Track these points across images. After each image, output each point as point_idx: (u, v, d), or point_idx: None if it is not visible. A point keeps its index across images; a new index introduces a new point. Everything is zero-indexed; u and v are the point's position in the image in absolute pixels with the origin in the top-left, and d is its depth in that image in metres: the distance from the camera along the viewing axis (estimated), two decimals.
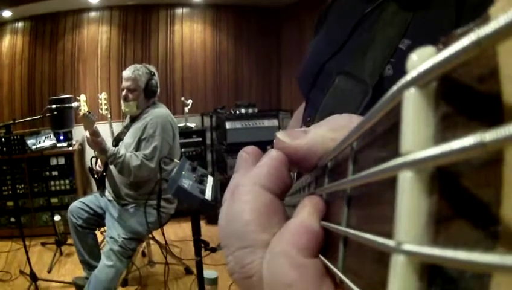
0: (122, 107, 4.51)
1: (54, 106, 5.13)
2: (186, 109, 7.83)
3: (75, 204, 4.61)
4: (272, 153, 0.50)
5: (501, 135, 0.16)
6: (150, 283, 5.19)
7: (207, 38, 8.75)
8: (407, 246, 0.22)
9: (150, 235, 4.89)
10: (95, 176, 4.69)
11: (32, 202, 6.66)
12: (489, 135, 0.17)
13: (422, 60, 0.22)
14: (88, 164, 4.82)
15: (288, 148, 0.48)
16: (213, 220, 6.83)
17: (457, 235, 0.21)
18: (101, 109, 4.85)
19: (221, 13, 8.78)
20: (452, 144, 0.19)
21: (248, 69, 9.08)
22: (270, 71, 9.18)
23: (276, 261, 0.40)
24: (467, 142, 0.18)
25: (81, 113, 4.04)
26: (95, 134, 4.03)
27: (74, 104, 5.07)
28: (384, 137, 0.28)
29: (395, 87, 0.25)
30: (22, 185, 6.60)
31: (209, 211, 3.46)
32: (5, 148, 5.71)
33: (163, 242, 4.08)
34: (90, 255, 4.51)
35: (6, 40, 7.56)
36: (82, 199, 4.72)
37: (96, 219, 4.56)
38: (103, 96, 4.92)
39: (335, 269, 0.36)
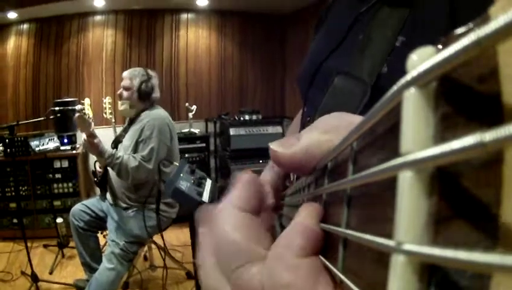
0: (118, 106, 4.54)
1: (57, 108, 5.14)
2: (190, 115, 7.82)
3: (77, 207, 4.61)
4: (241, 177, 0.54)
5: (501, 135, 0.16)
6: (150, 286, 5.19)
7: (212, 44, 8.75)
8: (407, 246, 0.22)
9: (152, 239, 4.89)
10: (95, 179, 4.70)
11: (35, 204, 6.66)
12: (489, 135, 0.17)
13: (422, 59, 0.22)
14: (92, 167, 4.83)
15: (283, 157, 0.50)
16: None
17: (457, 235, 0.21)
18: (105, 113, 4.85)
19: (226, 19, 8.78)
20: (452, 144, 0.19)
21: (252, 75, 9.08)
22: (275, 78, 9.18)
23: (272, 265, 0.40)
24: (467, 142, 0.18)
25: (77, 115, 4.02)
26: (91, 136, 4.04)
27: (78, 107, 5.08)
28: (384, 137, 0.28)
29: (395, 87, 0.25)
30: (25, 187, 6.60)
31: None
32: (8, 150, 5.71)
33: (163, 246, 4.08)
34: (92, 258, 4.51)
35: (11, 41, 7.57)
36: (84, 202, 4.73)
37: (98, 222, 4.56)
38: (107, 100, 4.92)
39: (335, 269, 0.36)
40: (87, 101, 4.91)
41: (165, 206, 4.32)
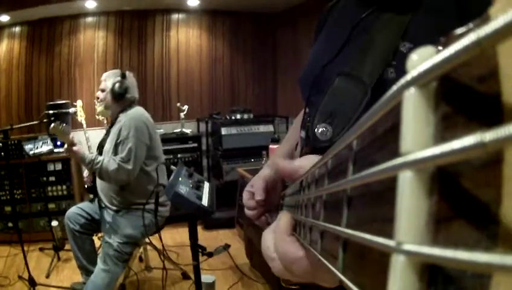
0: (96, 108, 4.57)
1: (51, 112, 5.13)
2: (182, 115, 7.81)
3: (72, 210, 4.60)
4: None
5: (501, 135, 0.16)
6: (147, 288, 5.18)
7: (203, 44, 8.73)
8: (407, 246, 0.22)
9: (147, 241, 4.88)
10: (85, 186, 4.71)
11: (30, 207, 6.63)
12: (489, 135, 0.17)
13: (422, 60, 0.22)
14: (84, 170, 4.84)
15: (283, 169, 0.83)
16: (210, 226, 6.84)
17: (457, 235, 0.21)
18: (98, 115, 4.86)
19: (217, 19, 8.76)
20: (452, 144, 0.19)
21: (244, 74, 9.07)
22: (266, 77, 9.16)
23: (276, 241, 0.75)
24: (467, 142, 0.18)
25: (52, 126, 4.03)
26: (71, 144, 4.06)
27: (71, 110, 5.08)
28: (385, 137, 0.28)
29: (394, 87, 0.25)
30: (20, 190, 6.56)
31: (206, 217, 3.48)
32: (2, 153, 5.70)
33: (160, 247, 4.08)
34: (88, 261, 4.50)
35: (4, 44, 7.55)
36: (79, 205, 4.71)
37: (94, 225, 4.54)
38: (78, 104, 4.94)
39: (335, 269, 0.36)
40: (79, 102, 4.92)
41: (158, 206, 4.31)
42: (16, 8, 6.74)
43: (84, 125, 4.96)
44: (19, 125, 5.25)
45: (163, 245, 4.00)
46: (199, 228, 6.49)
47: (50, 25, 7.68)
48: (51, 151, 6.67)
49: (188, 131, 7.83)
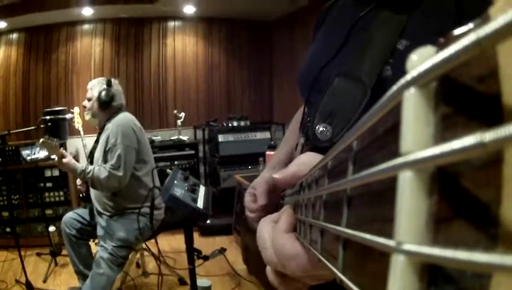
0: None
1: (48, 117, 5.13)
2: (179, 122, 7.82)
3: (69, 215, 4.61)
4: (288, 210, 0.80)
5: (501, 135, 0.16)
6: None
7: (199, 51, 8.74)
8: (407, 246, 0.22)
9: (144, 246, 4.87)
10: (79, 195, 4.74)
11: (27, 213, 6.65)
12: (489, 135, 0.17)
13: (422, 60, 0.22)
14: None
15: (278, 180, 0.84)
16: (207, 232, 6.83)
17: (457, 235, 0.21)
18: (74, 123, 4.89)
19: (213, 26, 8.78)
20: (452, 144, 0.19)
21: (240, 81, 9.07)
22: (262, 84, 9.17)
23: (274, 238, 0.75)
24: (467, 142, 0.18)
25: (41, 141, 4.08)
26: (61, 156, 4.11)
27: (68, 116, 5.08)
28: (385, 137, 0.28)
29: (394, 87, 0.25)
30: (17, 196, 6.59)
31: (201, 219, 3.50)
32: (0, 159, 5.70)
33: (156, 252, 4.07)
34: (85, 266, 4.50)
35: (1, 51, 7.57)
36: (76, 210, 4.73)
37: (90, 230, 4.55)
38: (76, 110, 4.95)
39: (335, 269, 0.37)
40: (76, 109, 4.92)
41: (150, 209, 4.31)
42: (13, 14, 6.76)
43: (82, 132, 4.95)
44: (16, 131, 5.28)
45: (159, 250, 3.99)
46: (196, 235, 6.50)
47: (47, 32, 7.71)
48: (48, 158, 6.66)
49: (185, 138, 7.87)
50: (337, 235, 0.37)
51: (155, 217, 4.31)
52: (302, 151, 1.08)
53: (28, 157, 6.57)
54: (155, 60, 8.43)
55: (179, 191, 3.20)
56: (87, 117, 4.50)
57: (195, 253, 3.41)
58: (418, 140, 0.22)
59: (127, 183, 4.21)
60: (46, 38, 7.75)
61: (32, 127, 5.26)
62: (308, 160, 0.79)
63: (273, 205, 1.19)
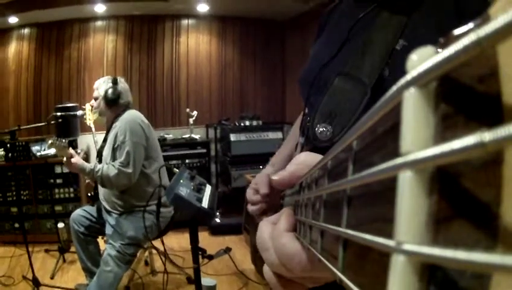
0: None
1: (59, 114, 5.14)
2: (191, 121, 7.83)
3: (78, 212, 4.62)
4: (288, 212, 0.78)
5: (501, 135, 0.16)
6: None
7: (212, 50, 8.75)
8: (407, 246, 0.22)
9: (151, 244, 4.88)
10: (88, 195, 4.76)
11: (37, 209, 6.67)
12: (489, 135, 0.17)
13: (422, 60, 0.22)
14: None
15: (276, 182, 0.83)
16: (217, 231, 6.84)
17: (457, 235, 0.21)
18: (85, 120, 4.90)
19: (227, 25, 8.78)
20: (452, 144, 0.19)
21: (253, 81, 9.07)
22: (275, 83, 9.15)
23: (274, 237, 0.73)
24: (467, 142, 0.18)
25: (49, 142, 4.09)
26: (70, 156, 4.13)
27: (79, 113, 5.08)
28: (385, 137, 0.28)
29: (394, 87, 0.25)
30: (27, 192, 6.61)
31: (206, 219, 3.50)
32: (9, 154, 5.71)
33: (163, 249, 4.08)
34: (93, 263, 4.51)
35: (13, 46, 7.58)
36: (84, 207, 4.73)
37: (98, 227, 4.56)
38: (87, 107, 4.95)
39: (335, 269, 0.37)
40: (87, 106, 4.92)
41: (160, 207, 4.30)
42: (25, 10, 6.77)
43: (93, 129, 4.96)
44: (26, 126, 5.27)
45: (164, 248, 4.00)
46: (206, 234, 6.54)
47: (59, 28, 7.71)
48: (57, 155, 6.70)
49: (196, 137, 7.86)
50: (337, 235, 0.37)
51: (164, 215, 4.32)
52: (302, 152, 1.08)
53: (38, 153, 6.60)
54: (168, 58, 8.43)
55: (184, 191, 3.21)
56: (95, 116, 4.53)
57: (200, 252, 3.41)
58: (418, 140, 0.22)
59: (136, 181, 4.22)
60: (58, 34, 7.76)
61: (43, 123, 5.26)
62: (306, 159, 0.79)
63: (273, 204, 1.19)
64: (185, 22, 8.48)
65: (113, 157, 4.22)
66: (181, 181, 3.36)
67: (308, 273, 0.66)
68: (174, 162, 7.28)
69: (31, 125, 5.46)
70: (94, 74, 7.84)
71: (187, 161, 7.52)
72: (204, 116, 8.48)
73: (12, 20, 7.17)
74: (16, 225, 6.58)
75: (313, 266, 0.63)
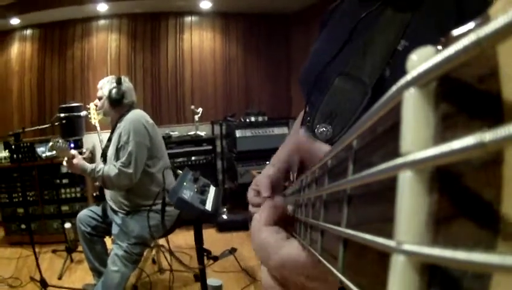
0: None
1: (63, 115, 5.15)
2: (197, 117, 7.83)
3: (84, 212, 4.63)
4: (270, 202, 0.82)
5: (501, 135, 0.16)
6: (159, 289, 5.20)
7: (216, 46, 8.75)
8: (407, 246, 0.22)
9: (159, 243, 4.89)
10: (93, 194, 4.77)
11: (43, 209, 6.68)
12: (489, 135, 0.17)
13: (422, 60, 0.22)
14: None
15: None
16: (224, 228, 6.85)
17: (458, 235, 0.21)
18: (90, 119, 4.91)
19: (230, 21, 8.78)
20: (452, 144, 0.19)
21: (258, 76, 9.07)
22: (280, 79, 9.15)
23: (254, 232, 0.76)
24: (467, 142, 0.18)
25: (50, 144, 4.10)
26: (72, 157, 4.12)
27: (83, 113, 5.10)
28: (385, 137, 0.28)
29: (394, 88, 0.25)
30: (33, 192, 6.63)
31: (210, 221, 3.52)
32: (15, 156, 5.72)
33: (173, 249, 4.09)
34: (100, 263, 4.52)
35: (15, 47, 7.59)
36: (91, 207, 4.74)
37: (105, 227, 4.57)
38: (92, 106, 4.95)
39: (334, 269, 0.37)
40: (92, 105, 4.92)
41: (165, 206, 4.31)
42: (26, 11, 6.78)
43: (98, 128, 4.96)
44: (30, 129, 5.28)
45: (169, 246, 4.01)
46: (213, 231, 6.54)
47: (62, 28, 7.73)
48: None
49: (202, 133, 7.87)
50: (337, 235, 0.37)
51: (170, 213, 4.32)
52: None
53: (43, 155, 6.61)
54: (172, 56, 8.44)
55: (187, 194, 3.22)
56: (99, 116, 4.53)
57: (205, 253, 3.42)
58: (418, 140, 0.22)
59: (140, 181, 4.23)
60: (60, 34, 7.77)
61: (47, 125, 5.26)
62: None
63: None
64: (188, 19, 8.49)
65: (117, 157, 4.23)
66: (184, 183, 3.36)
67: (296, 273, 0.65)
68: (180, 159, 7.31)
69: (35, 128, 5.45)
70: (98, 73, 7.85)
71: (193, 158, 7.54)
72: (210, 113, 8.48)
73: (14, 21, 7.18)
74: (23, 226, 6.59)
75: (299, 258, 0.62)
